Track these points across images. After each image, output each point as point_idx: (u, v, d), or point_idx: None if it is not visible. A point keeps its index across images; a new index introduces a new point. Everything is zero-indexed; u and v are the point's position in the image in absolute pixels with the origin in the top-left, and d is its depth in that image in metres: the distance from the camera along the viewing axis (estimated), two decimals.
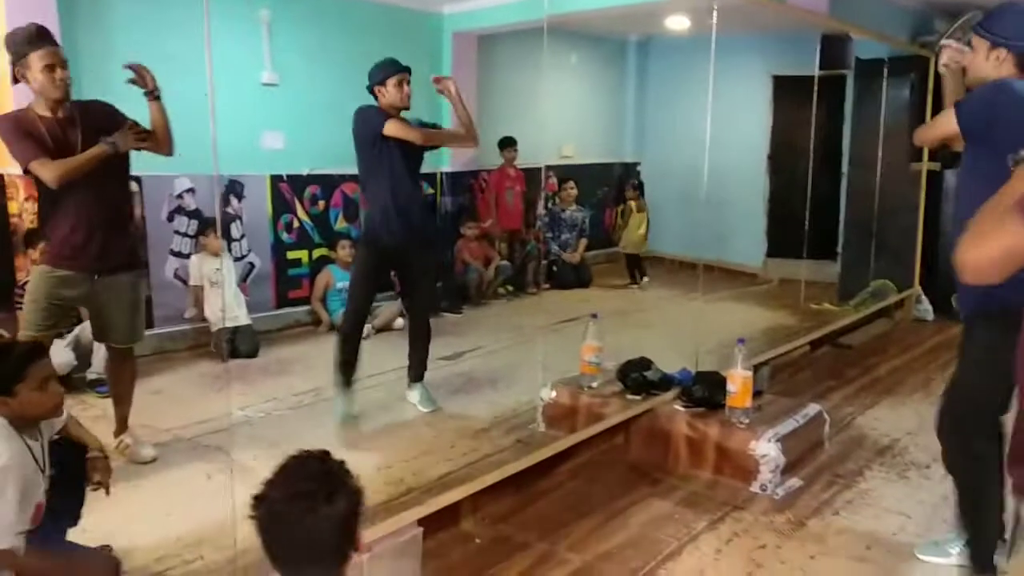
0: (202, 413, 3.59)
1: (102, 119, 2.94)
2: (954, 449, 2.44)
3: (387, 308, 5.39)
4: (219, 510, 2.74)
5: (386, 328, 5.28)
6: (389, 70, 3.50)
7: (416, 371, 3.87)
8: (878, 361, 4.99)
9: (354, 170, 5.30)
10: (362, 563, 2.18)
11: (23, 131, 2.78)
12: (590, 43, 7.70)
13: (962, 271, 1.33)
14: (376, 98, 3.54)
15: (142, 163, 4.51)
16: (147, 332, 4.61)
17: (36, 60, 2.77)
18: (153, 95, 2.96)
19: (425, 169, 6.11)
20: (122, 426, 3.22)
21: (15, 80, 2.85)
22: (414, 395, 3.83)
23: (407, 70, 3.53)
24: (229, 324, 4.53)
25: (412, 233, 3.63)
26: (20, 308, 3.97)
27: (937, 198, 6.18)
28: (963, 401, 2.40)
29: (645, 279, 7.08)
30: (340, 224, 5.72)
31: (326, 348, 4.98)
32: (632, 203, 7.29)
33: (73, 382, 3.95)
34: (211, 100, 2.16)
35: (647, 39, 8.17)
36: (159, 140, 3.03)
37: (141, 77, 2.90)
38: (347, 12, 5.56)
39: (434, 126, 3.75)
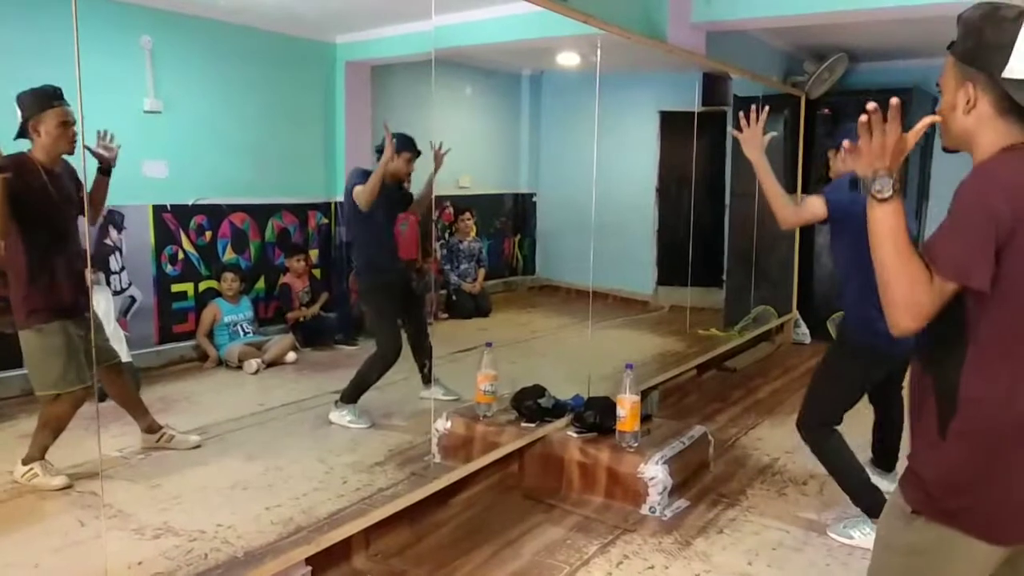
0: (76, 456, 3.39)
1: (74, 178, 3.19)
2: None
3: (279, 342, 5.27)
4: (92, 557, 2.60)
5: (277, 362, 5.15)
6: None
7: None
8: (760, 383, 5.23)
9: (243, 199, 5.18)
10: None
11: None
12: (484, 76, 7.82)
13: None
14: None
15: None
16: (13, 372, 4.35)
17: (51, 117, 2.98)
18: (106, 171, 3.24)
19: (319, 199, 6.16)
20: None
21: (23, 135, 3.00)
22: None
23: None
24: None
25: None
26: None
27: (811, 228, 6.57)
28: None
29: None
30: (229, 255, 5.56)
31: (212, 384, 4.83)
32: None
33: None
34: (81, 126, 2.08)
35: (540, 73, 8.38)
36: (96, 208, 3.33)
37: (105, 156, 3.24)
38: (236, 39, 5.45)
39: None
